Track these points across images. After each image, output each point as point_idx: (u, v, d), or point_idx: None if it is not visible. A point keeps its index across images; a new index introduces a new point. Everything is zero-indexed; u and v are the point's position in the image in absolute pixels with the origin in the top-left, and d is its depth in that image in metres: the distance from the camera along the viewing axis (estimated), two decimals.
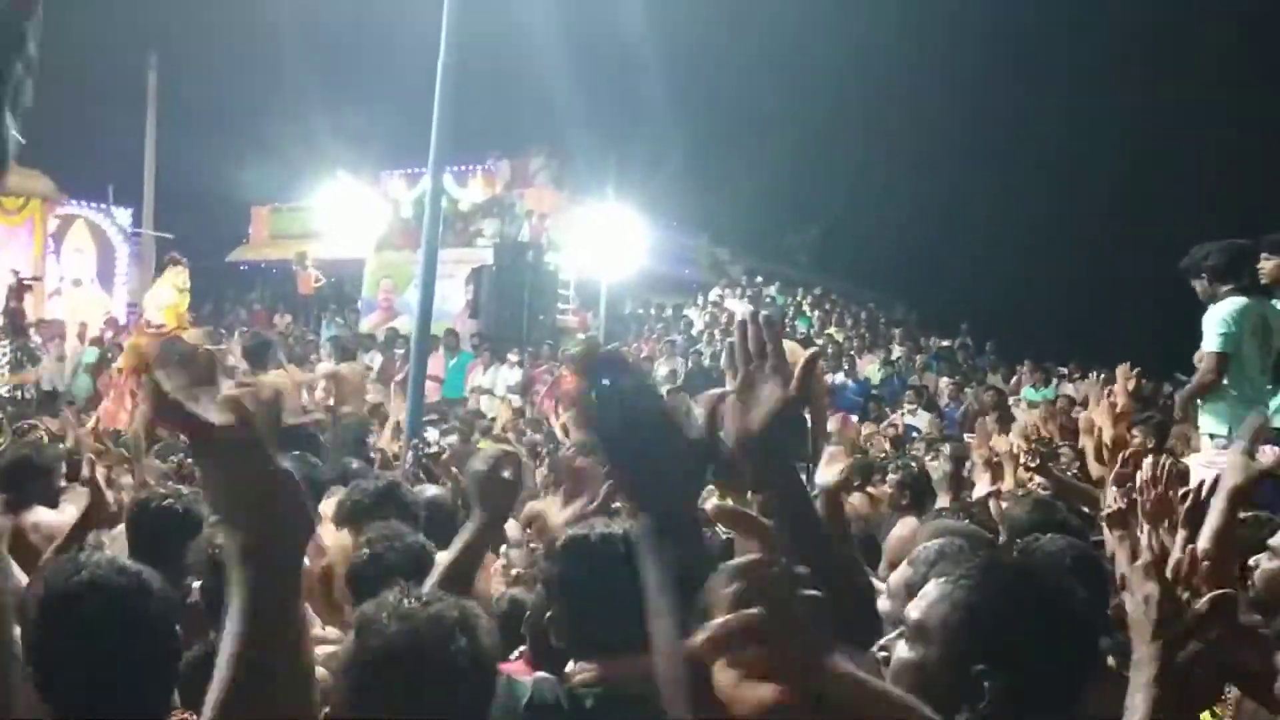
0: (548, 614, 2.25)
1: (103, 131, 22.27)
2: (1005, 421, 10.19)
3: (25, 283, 14.42)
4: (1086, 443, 4.95)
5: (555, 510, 5.53)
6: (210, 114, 25.54)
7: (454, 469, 5.41)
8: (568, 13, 18.44)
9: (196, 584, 3.21)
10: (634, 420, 1.25)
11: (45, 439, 6.00)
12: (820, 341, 18.29)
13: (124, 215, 19.16)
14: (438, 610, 1.80)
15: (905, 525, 4.76)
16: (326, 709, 1.76)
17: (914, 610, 1.49)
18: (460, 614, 1.81)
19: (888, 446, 10.31)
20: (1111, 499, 3.55)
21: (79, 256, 17.59)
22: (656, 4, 23.08)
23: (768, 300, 22.33)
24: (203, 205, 23.95)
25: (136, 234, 20.08)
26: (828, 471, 2.58)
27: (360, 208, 20.92)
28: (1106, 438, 4.61)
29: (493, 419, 12.33)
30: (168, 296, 11.57)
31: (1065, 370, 16.46)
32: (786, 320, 19.32)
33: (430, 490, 4.58)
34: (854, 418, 12.94)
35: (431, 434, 6.39)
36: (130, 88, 22.26)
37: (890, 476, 5.35)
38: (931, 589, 1.49)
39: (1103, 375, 6.18)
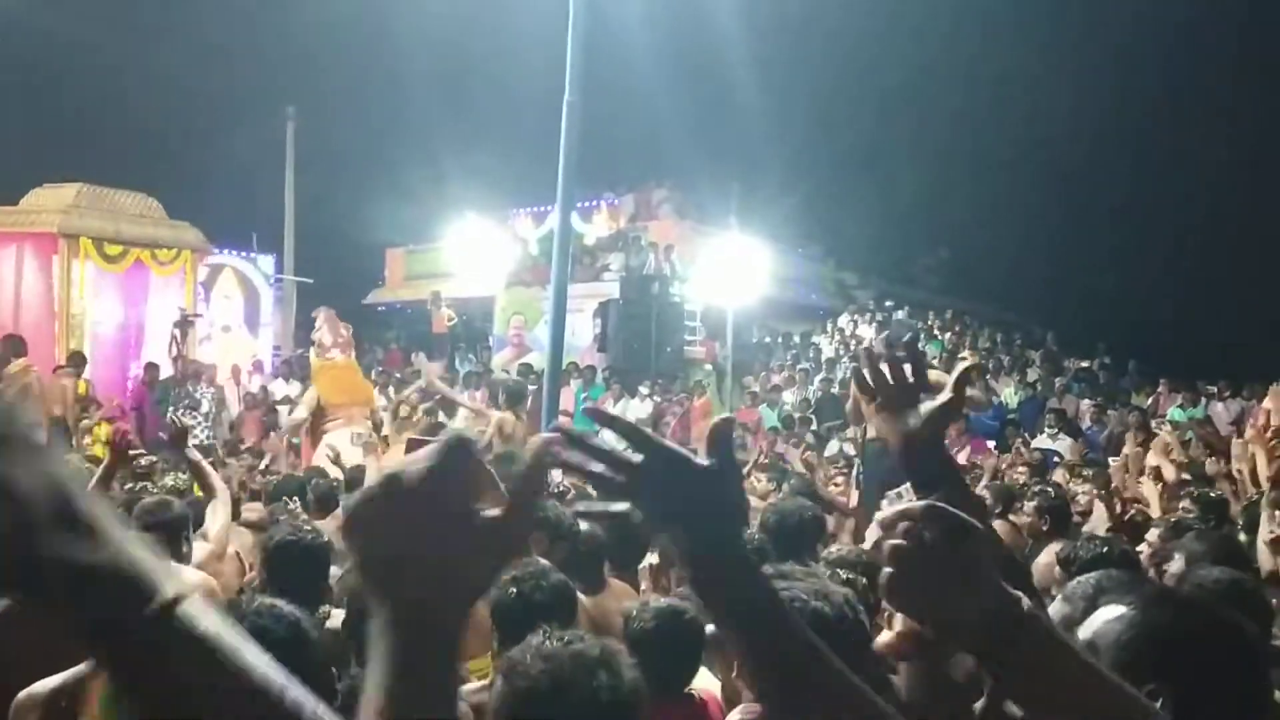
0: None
1: (246, 182, 23.35)
2: (1146, 445, 9.80)
3: (190, 319, 15.24)
4: (1243, 465, 4.74)
5: None
6: (345, 162, 26.59)
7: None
8: (688, 44, 18.61)
9: (336, 611, 3.32)
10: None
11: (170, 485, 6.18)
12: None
13: (267, 262, 19.98)
14: (579, 649, 1.88)
15: (1047, 554, 4.62)
16: None
17: (1085, 630, 1.48)
18: (601, 652, 1.87)
19: (1023, 471, 9.99)
20: (1274, 526, 3.39)
21: (227, 303, 18.40)
22: (778, 33, 23.12)
23: (897, 323, 21.98)
24: (340, 249, 24.87)
25: (279, 279, 20.91)
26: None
27: (490, 247, 21.40)
28: (1261, 465, 4.41)
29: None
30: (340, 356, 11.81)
31: (1215, 389, 15.78)
32: (920, 342, 18.98)
33: (584, 525, 4.62)
34: (990, 443, 12.63)
35: (556, 474, 6.43)
36: (270, 140, 23.28)
37: (1028, 504, 5.19)
38: (1105, 610, 1.49)
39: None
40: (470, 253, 21.50)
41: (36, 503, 0.80)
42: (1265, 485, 4.32)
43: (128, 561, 0.82)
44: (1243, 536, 4.42)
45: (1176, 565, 2.20)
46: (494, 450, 10.33)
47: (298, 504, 6.15)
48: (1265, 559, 4.01)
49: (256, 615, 2.03)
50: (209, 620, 0.84)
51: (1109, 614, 1.48)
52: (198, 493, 5.66)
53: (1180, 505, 5.14)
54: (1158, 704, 1.35)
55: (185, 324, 15.09)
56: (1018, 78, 27.40)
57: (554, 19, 7.70)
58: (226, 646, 0.84)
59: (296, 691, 0.85)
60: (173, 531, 4.06)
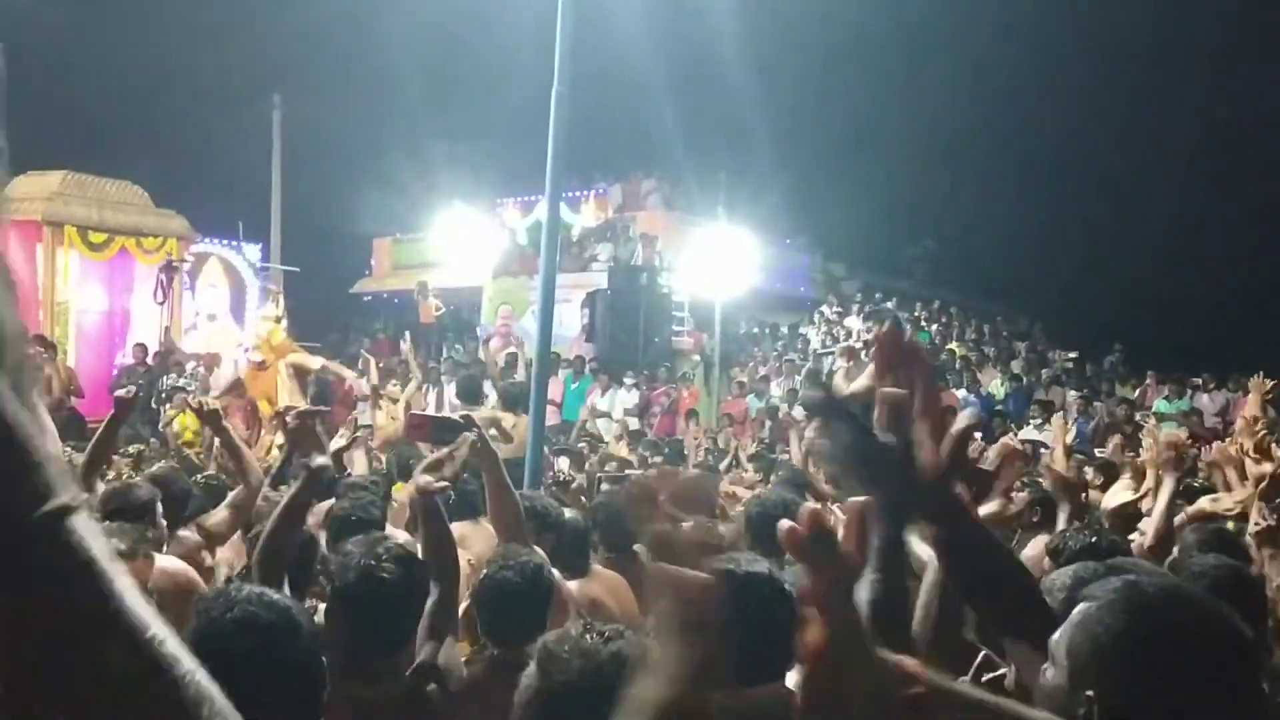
0: None
1: (232, 171, 23.23)
2: (1134, 437, 9.86)
3: (176, 265, 15.18)
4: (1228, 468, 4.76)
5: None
6: (332, 150, 26.44)
7: (582, 499, 5.49)
8: (676, 34, 18.58)
9: (321, 605, 3.33)
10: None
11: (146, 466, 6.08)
12: (944, 357, 17.96)
13: (253, 251, 19.89)
14: (618, 648, 1.87)
15: (1035, 545, 4.62)
16: None
17: (1057, 631, 1.47)
18: (642, 652, 1.87)
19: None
20: (1259, 516, 3.40)
21: (213, 292, 18.31)
22: (765, 23, 23.08)
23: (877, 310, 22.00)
24: (327, 239, 24.78)
25: (265, 268, 20.82)
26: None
27: (477, 237, 21.35)
28: (1249, 463, 4.42)
29: (606, 442, 12.48)
30: (261, 329, 12.02)
31: (1199, 381, 15.87)
32: (903, 327, 18.93)
33: (568, 513, 4.71)
34: (977, 435, 12.67)
35: (562, 463, 6.46)
36: (256, 128, 23.17)
37: (1018, 494, 5.17)
38: (1075, 612, 1.46)
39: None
40: (457, 242, 21.45)
41: None
42: (1250, 480, 4.33)
43: (33, 450, 0.73)
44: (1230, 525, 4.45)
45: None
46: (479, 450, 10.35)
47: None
48: (1252, 552, 4.03)
49: (247, 603, 1.99)
50: (98, 544, 0.74)
51: (1075, 615, 1.44)
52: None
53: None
54: (1092, 713, 1.34)
55: (171, 270, 15.04)
56: (1002, 68, 27.44)
57: (541, 8, 7.67)
58: (109, 575, 0.74)
59: (173, 645, 0.77)
60: (136, 517, 3.99)
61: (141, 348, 14.32)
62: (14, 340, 0.75)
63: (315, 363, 13.53)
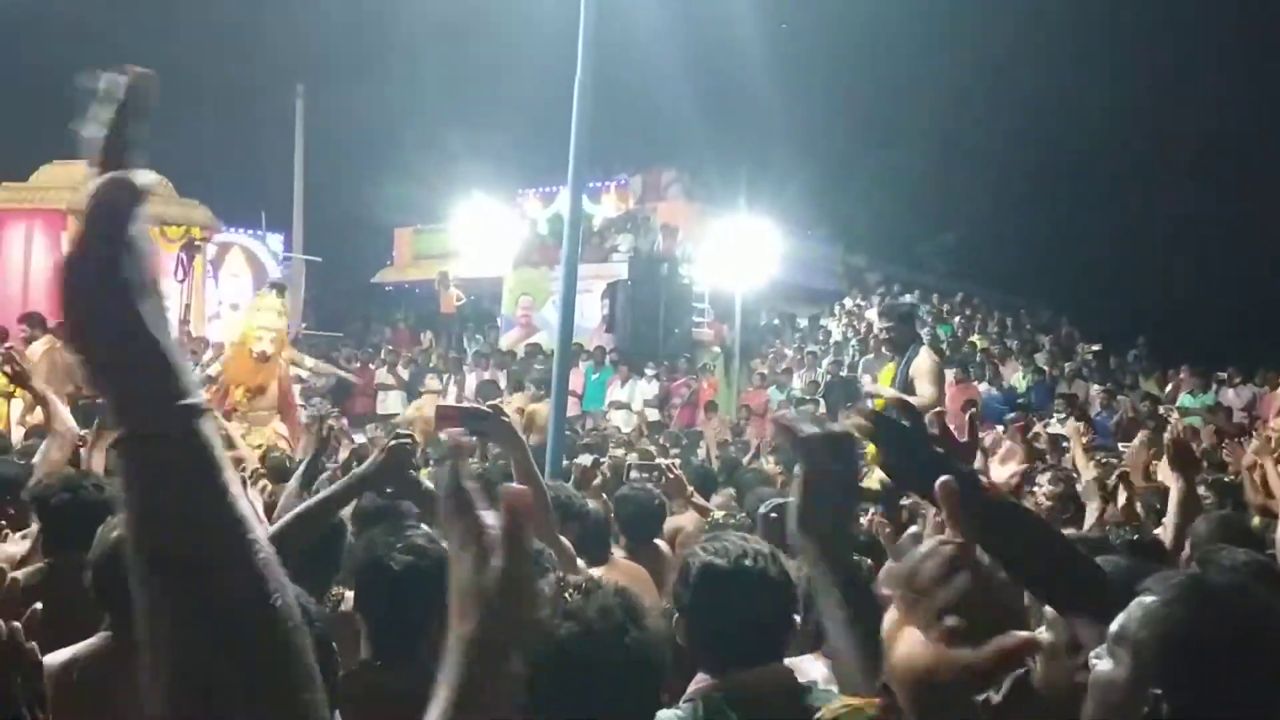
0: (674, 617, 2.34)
1: (255, 161, 23.31)
2: (1158, 431, 9.76)
3: (196, 244, 15.28)
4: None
5: (689, 524, 5.57)
6: (354, 141, 26.51)
7: (604, 495, 5.49)
8: (698, 26, 18.51)
9: (348, 593, 3.32)
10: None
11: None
12: (965, 349, 17.87)
13: (276, 240, 19.99)
14: (605, 604, 1.86)
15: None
16: None
17: (1115, 623, 1.44)
18: (625, 604, 1.87)
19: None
20: None
21: (235, 281, 18.42)
22: (787, 14, 22.99)
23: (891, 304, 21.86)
24: (349, 229, 24.86)
25: (288, 258, 20.92)
26: (1000, 469, 2.60)
27: (498, 227, 21.38)
28: (1273, 477, 4.38)
29: (627, 433, 12.47)
30: (274, 321, 11.76)
31: (1225, 375, 15.67)
32: (925, 323, 18.80)
33: (590, 504, 4.74)
34: (999, 428, 12.59)
35: (585, 459, 6.44)
36: (279, 118, 23.24)
37: (1048, 487, 5.13)
38: (1135, 605, 1.43)
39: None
40: (478, 233, 21.49)
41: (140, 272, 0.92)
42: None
43: (175, 356, 0.91)
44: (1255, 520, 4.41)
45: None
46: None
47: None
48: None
49: None
50: (218, 442, 0.91)
51: (1138, 609, 1.41)
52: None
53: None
54: (1161, 710, 1.32)
55: (193, 248, 15.13)
56: (1026, 60, 27.22)
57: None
58: (226, 469, 0.91)
59: (260, 534, 0.92)
60: None
61: None
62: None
63: (309, 361, 13.52)
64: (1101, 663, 1.43)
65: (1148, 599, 1.41)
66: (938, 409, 4.39)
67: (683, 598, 2.31)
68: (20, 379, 5.20)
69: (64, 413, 4.94)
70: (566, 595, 1.88)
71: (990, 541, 1.74)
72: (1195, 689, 1.31)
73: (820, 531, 1.65)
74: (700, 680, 2.23)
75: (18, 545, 3.83)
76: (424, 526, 2.99)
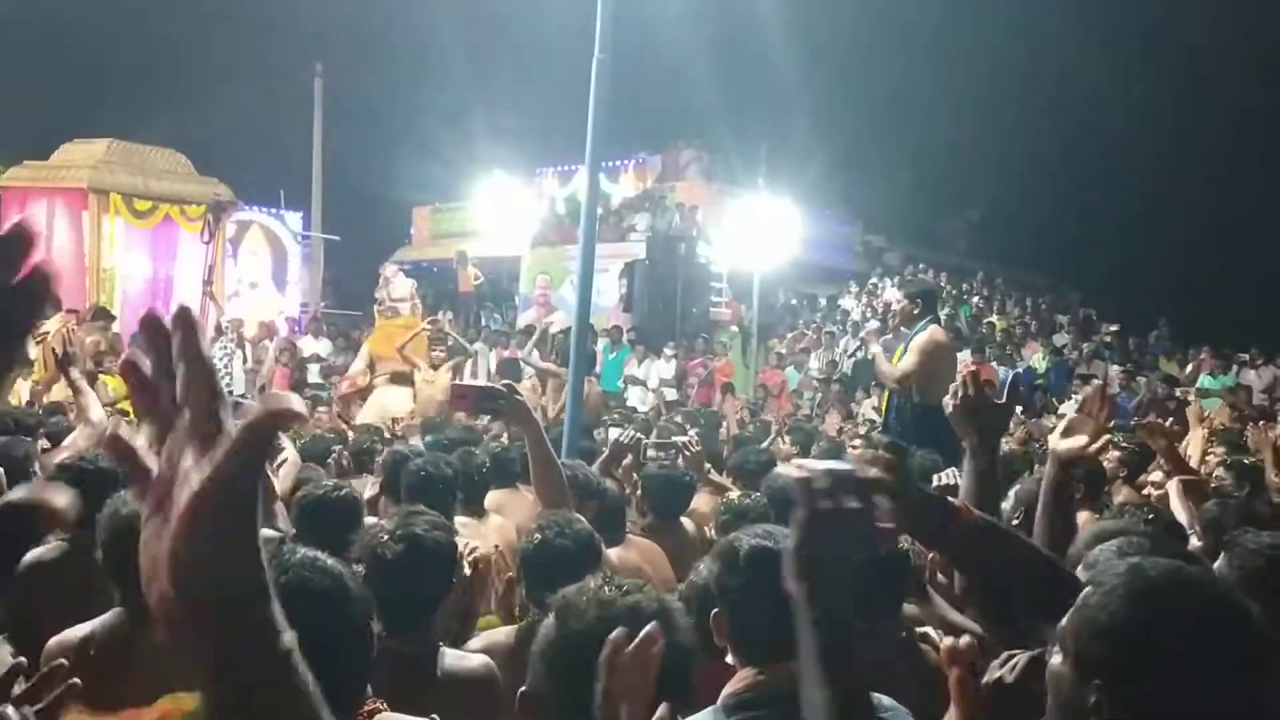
0: (713, 612, 2.26)
1: (274, 139, 23.35)
2: (1178, 413, 9.69)
3: (225, 204, 15.44)
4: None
5: (704, 504, 5.55)
6: (373, 119, 26.53)
7: (634, 475, 5.47)
8: (717, 4, 18.37)
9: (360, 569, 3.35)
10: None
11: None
12: (984, 330, 17.79)
13: (295, 219, 19.99)
14: (636, 600, 1.86)
15: (1079, 520, 4.57)
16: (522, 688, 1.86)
17: (1064, 618, 1.43)
18: (659, 605, 1.87)
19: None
20: None
21: (254, 260, 18.44)
22: None
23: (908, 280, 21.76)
24: (368, 207, 24.88)
25: (307, 237, 20.94)
26: (1066, 439, 2.60)
27: (516, 206, 21.35)
28: None
29: (645, 413, 12.47)
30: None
31: (1247, 356, 15.53)
32: (947, 305, 18.71)
33: (608, 483, 4.74)
34: (1018, 409, 12.55)
35: (613, 433, 6.42)
36: (298, 97, 23.26)
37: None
38: (1080, 597, 1.41)
39: None
40: (496, 212, 21.47)
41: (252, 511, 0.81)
42: None
43: (270, 592, 0.84)
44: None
45: None
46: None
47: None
48: None
49: (300, 567, 1.97)
50: (305, 668, 0.85)
51: (1079, 599, 1.40)
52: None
53: (1214, 473, 5.09)
54: (1101, 703, 1.31)
55: (221, 209, 15.26)
56: (1047, 39, 26.99)
57: None
58: (316, 698, 0.85)
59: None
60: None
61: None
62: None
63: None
64: (1055, 658, 1.43)
65: (1088, 590, 1.40)
66: (971, 367, 4.38)
67: (730, 585, 2.22)
68: (66, 362, 5.21)
69: (96, 404, 4.98)
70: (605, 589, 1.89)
71: (967, 565, 1.81)
72: (1134, 679, 1.30)
73: (817, 580, 1.49)
74: (742, 678, 2.13)
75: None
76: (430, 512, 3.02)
